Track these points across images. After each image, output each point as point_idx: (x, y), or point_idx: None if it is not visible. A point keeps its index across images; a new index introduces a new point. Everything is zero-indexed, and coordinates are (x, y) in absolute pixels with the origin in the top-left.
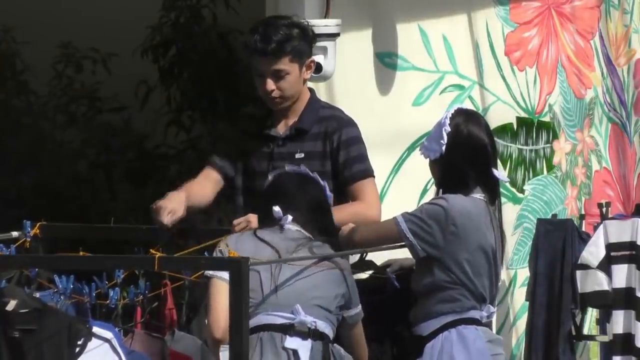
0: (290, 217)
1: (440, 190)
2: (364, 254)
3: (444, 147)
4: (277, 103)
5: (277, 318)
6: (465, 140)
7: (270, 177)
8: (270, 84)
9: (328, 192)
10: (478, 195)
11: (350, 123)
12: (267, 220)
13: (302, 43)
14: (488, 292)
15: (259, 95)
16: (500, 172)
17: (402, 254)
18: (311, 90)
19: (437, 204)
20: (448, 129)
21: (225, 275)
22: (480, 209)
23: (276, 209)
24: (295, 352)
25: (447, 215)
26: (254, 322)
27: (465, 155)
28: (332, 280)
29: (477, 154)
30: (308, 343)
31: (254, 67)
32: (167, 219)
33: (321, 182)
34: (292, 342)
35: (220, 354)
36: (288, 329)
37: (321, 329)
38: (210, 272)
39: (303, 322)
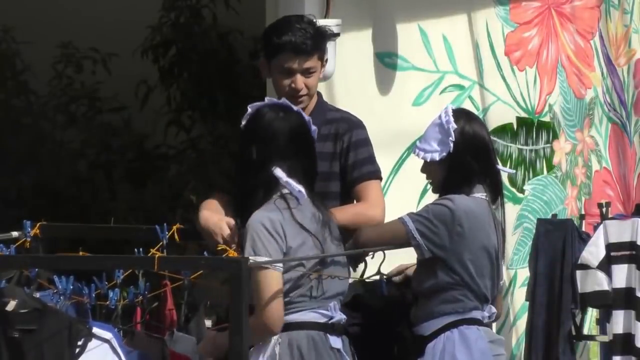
0: (303, 190)
1: (443, 190)
2: (372, 256)
3: (451, 146)
4: (301, 102)
5: (320, 316)
6: (471, 138)
7: (250, 111)
8: (301, 82)
9: (313, 127)
10: (480, 194)
11: (360, 125)
12: (261, 176)
13: (324, 43)
14: (490, 293)
15: (276, 87)
16: (504, 167)
17: (405, 253)
18: (318, 93)
19: (443, 205)
20: (454, 126)
21: (279, 264)
22: (483, 208)
23: (281, 175)
24: (339, 350)
25: (453, 215)
26: (298, 317)
27: (473, 153)
28: (345, 267)
29: (482, 152)
30: (341, 340)
31: (282, 66)
32: (228, 237)
33: (305, 115)
34: (335, 341)
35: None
36: (329, 328)
37: (344, 322)
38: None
39: (339, 320)
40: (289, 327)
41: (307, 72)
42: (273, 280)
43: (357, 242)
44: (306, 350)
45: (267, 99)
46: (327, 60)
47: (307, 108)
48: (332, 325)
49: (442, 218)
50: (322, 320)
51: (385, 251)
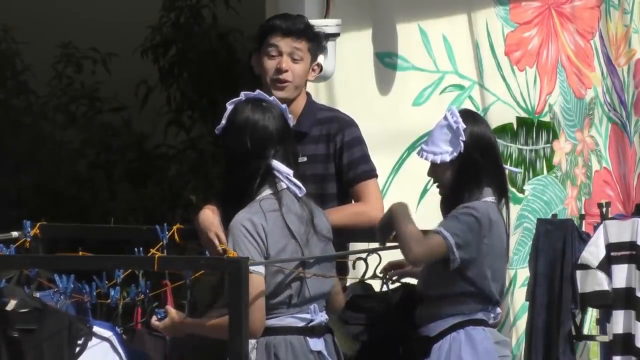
0: (302, 185)
1: (452, 192)
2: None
3: (462, 147)
4: (282, 88)
5: (299, 321)
6: (479, 139)
7: (229, 108)
8: (287, 62)
9: (289, 115)
10: (489, 198)
11: (352, 124)
12: (245, 172)
13: (317, 41)
14: (499, 295)
15: (263, 78)
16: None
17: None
18: (308, 94)
19: (470, 214)
20: (464, 126)
21: (260, 268)
22: (497, 214)
23: (282, 169)
24: (320, 353)
25: (480, 226)
26: (275, 322)
27: (482, 153)
28: (332, 268)
29: (490, 151)
30: (323, 341)
31: (271, 45)
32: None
33: (281, 105)
34: (315, 344)
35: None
36: (308, 331)
37: (327, 322)
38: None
39: (320, 323)
40: (266, 331)
41: (293, 56)
42: (254, 284)
43: (407, 258)
44: (284, 355)
45: (242, 94)
46: (319, 64)
47: (295, 111)
48: (312, 328)
49: (472, 229)
50: (301, 324)
51: (382, 252)
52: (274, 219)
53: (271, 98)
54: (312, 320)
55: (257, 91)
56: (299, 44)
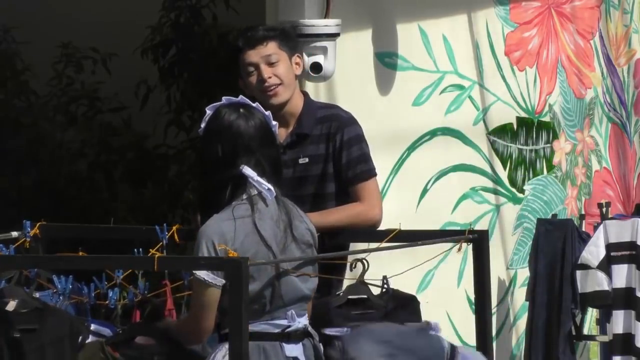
0: (272, 188)
1: None
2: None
3: None
4: (275, 94)
5: (273, 327)
6: None
7: (209, 112)
8: (267, 71)
9: (273, 122)
10: None
11: (351, 121)
12: (224, 177)
13: (284, 36)
14: None
15: (256, 95)
16: None
17: (407, 254)
18: (305, 93)
19: None
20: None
21: (218, 281)
22: None
23: (250, 174)
24: (296, 358)
25: None
26: (250, 328)
27: None
28: (314, 270)
29: None
30: (301, 346)
31: (246, 64)
32: None
33: (264, 110)
34: (291, 350)
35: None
36: (284, 337)
37: (308, 326)
38: (208, 279)
39: (297, 329)
40: None
41: (269, 62)
42: (207, 296)
43: None
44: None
45: (224, 99)
46: (300, 57)
47: (294, 112)
48: (288, 334)
49: None
50: (276, 330)
51: (382, 256)
52: (244, 225)
53: (254, 104)
54: (288, 327)
55: (240, 97)
56: (267, 48)
